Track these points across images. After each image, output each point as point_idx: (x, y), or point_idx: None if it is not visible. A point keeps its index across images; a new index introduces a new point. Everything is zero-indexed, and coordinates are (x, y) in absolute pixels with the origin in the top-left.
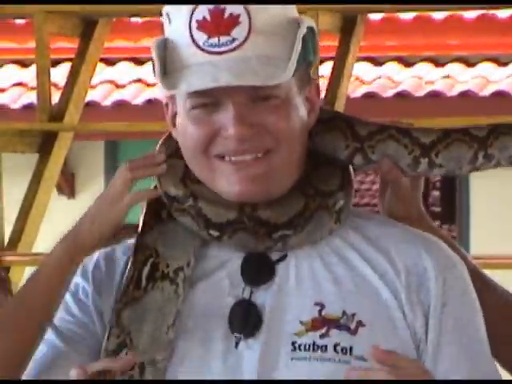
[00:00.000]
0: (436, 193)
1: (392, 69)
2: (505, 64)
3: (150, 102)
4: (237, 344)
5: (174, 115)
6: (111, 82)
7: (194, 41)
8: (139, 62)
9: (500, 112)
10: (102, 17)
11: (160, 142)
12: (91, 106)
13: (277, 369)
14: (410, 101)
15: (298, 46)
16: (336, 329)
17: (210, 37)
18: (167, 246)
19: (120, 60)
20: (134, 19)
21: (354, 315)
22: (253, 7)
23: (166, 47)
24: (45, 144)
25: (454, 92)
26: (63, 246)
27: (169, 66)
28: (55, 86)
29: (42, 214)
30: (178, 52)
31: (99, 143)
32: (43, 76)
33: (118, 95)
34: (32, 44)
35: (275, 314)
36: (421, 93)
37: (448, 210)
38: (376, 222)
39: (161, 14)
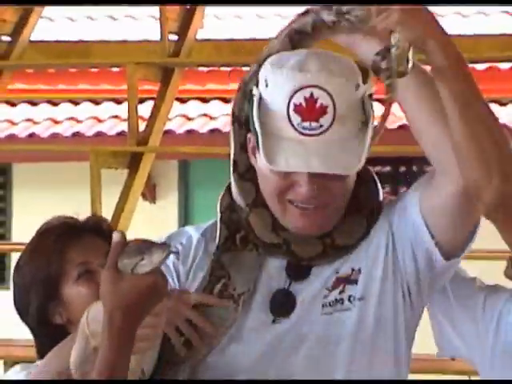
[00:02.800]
0: None
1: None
2: (505, 104)
3: (212, 131)
4: (273, 321)
5: (255, 148)
6: (184, 115)
7: (289, 119)
8: (205, 100)
9: None
10: (177, 66)
11: (244, 193)
12: (168, 133)
13: (311, 324)
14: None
15: (369, 137)
16: (348, 284)
17: (303, 120)
18: (237, 273)
19: (190, 99)
20: (201, 68)
21: (355, 268)
22: (336, 96)
23: (260, 103)
24: (133, 162)
25: None
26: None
27: (265, 126)
28: (141, 118)
29: (131, 216)
30: (273, 119)
31: (174, 162)
32: (133, 111)
33: (189, 126)
34: (124, 86)
35: (308, 290)
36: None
37: None
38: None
39: (220, 66)
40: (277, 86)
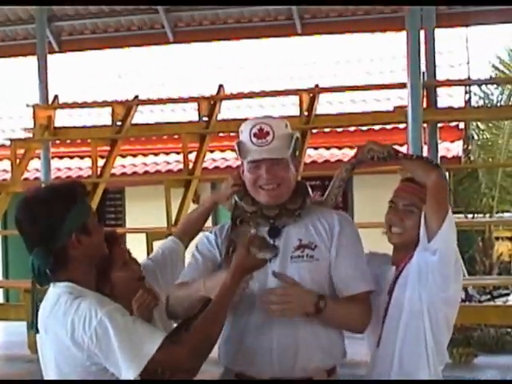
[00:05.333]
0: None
1: None
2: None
3: (227, 166)
4: (270, 260)
5: (243, 169)
6: (212, 159)
7: (251, 141)
8: (222, 151)
9: None
10: (207, 134)
11: (236, 190)
12: (204, 168)
13: (286, 267)
14: None
15: (293, 143)
16: (307, 249)
17: (257, 139)
18: (240, 239)
19: (214, 150)
20: (220, 134)
21: (313, 243)
22: (274, 127)
23: (239, 143)
24: (187, 184)
25: None
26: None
27: (242, 150)
28: (190, 161)
29: (187, 211)
30: (245, 145)
31: (208, 183)
32: (186, 158)
33: (215, 164)
34: (181, 145)
35: (284, 247)
36: None
37: (344, 205)
38: (323, 211)
39: (229, 132)
40: (245, 129)
